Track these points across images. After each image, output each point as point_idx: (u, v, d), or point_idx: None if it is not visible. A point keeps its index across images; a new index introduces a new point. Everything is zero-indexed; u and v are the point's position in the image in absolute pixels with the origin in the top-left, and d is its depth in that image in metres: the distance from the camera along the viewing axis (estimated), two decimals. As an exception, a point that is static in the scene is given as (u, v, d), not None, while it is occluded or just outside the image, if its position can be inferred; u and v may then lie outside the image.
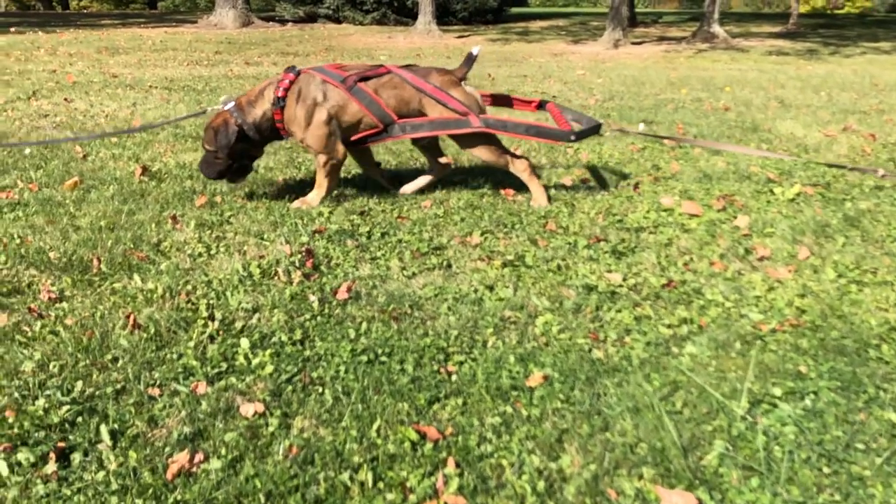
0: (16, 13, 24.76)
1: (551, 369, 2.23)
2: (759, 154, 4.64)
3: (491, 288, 2.84)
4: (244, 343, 2.38)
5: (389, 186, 4.16)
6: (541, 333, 2.48)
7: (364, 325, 2.53)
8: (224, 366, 2.27)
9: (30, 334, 2.47)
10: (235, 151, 3.74)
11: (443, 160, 4.18)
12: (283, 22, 22.02)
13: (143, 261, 3.10)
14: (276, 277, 2.95)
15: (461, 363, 2.29)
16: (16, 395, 2.11)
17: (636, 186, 4.27)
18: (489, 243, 3.33)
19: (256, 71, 10.44)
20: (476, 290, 2.81)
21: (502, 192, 4.09)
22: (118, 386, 2.16)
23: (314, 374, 2.23)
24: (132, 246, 3.25)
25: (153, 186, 4.16)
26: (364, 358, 2.30)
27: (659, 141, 5.41)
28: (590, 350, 2.38)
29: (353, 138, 3.81)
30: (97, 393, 2.12)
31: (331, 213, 3.75)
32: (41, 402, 2.06)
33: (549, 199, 3.93)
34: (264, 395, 2.11)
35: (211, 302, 2.73)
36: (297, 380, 2.20)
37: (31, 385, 2.15)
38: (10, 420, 1.98)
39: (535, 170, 3.94)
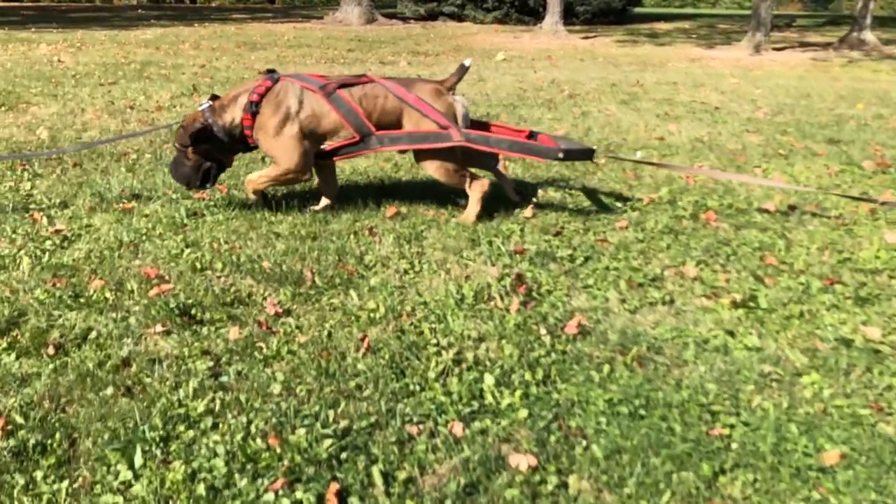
0: (151, 6, 26.19)
1: (846, 447, 1.99)
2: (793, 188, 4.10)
3: (732, 334, 2.61)
4: (488, 380, 2.26)
5: (327, 208, 3.87)
6: (811, 397, 2.24)
7: (606, 367, 2.36)
8: (475, 405, 2.15)
9: (266, 351, 2.44)
10: (201, 151, 3.59)
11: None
12: (404, 20, 22.23)
13: (352, 275, 3.06)
14: (491, 302, 2.83)
15: (731, 426, 2.08)
16: (273, 420, 2.06)
17: (839, 217, 3.90)
18: (708, 277, 3.10)
19: (392, 70, 10.49)
20: (716, 336, 2.59)
21: (703, 215, 3.83)
22: (371, 419, 2.08)
23: (572, 424, 2.08)
24: (338, 258, 3.21)
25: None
26: (623, 410, 2.13)
27: (859, 165, 4.97)
28: (874, 424, 2.11)
29: (327, 148, 3.65)
30: (354, 426, 2.05)
31: (522, 229, 3.61)
32: (301, 432, 2.01)
33: (477, 219, 3.70)
34: (530, 445, 1.98)
35: (434, 326, 2.64)
36: (555, 427, 2.06)
37: (285, 411, 2.10)
38: (277, 449, 1.92)
39: (485, 195, 3.70)
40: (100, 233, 3.44)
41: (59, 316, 2.64)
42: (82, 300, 2.76)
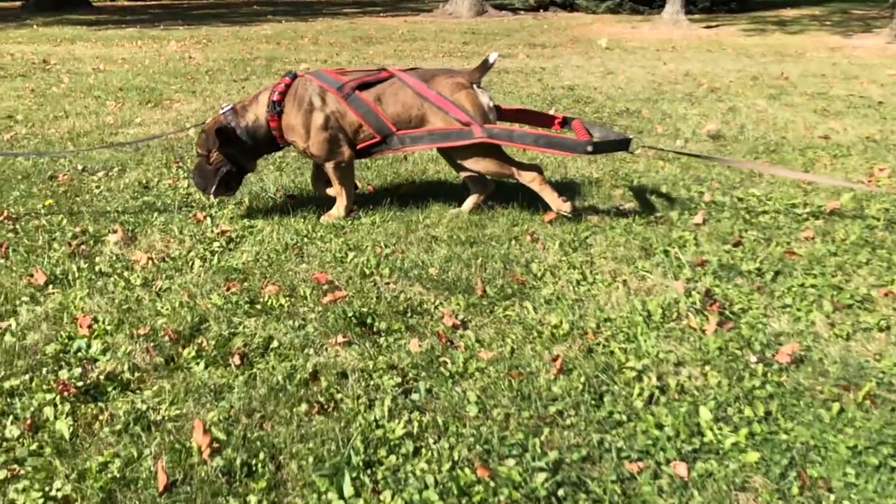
0: (265, 1, 26.99)
1: None
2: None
3: (977, 369, 2.28)
4: (704, 413, 2.05)
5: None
6: None
7: (835, 406, 2.10)
8: (696, 442, 1.95)
9: (451, 367, 2.32)
10: (224, 155, 3.47)
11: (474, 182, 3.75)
12: (514, 10, 21.93)
13: (523, 285, 2.90)
14: (682, 321, 2.60)
15: None
16: (478, 448, 1.93)
17: None
18: (925, 299, 2.74)
19: (513, 64, 10.28)
20: (959, 371, 2.27)
21: (899, 228, 3.45)
22: (582, 451, 1.91)
23: (812, 473, 1.83)
24: (504, 266, 3.07)
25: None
26: (871, 460, 1.87)
27: None
28: None
29: (357, 147, 3.52)
30: (566, 459, 1.89)
31: (696, 238, 3.34)
32: (510, 462, 1.87)
33: (572, 205, 3.50)
34: (771, 497, 1.75)
35: (624, 346, 2.44)
36: (793, 476, 1.82)
37: (487, 437, 1.97)
38: (490, 482, 1.79)
39: (545, 179, 3.52)
40: (262, 234, 3.43)
41: (239, 323, 2.62)
42: (258, 306, 2.73)
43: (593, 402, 2.14)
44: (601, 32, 15.35)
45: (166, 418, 2.08)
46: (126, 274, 3.01)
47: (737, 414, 2.07)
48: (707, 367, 2.31)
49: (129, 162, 4.72)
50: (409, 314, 2.69)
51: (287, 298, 2.79)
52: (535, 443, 1.95)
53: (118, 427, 2.02)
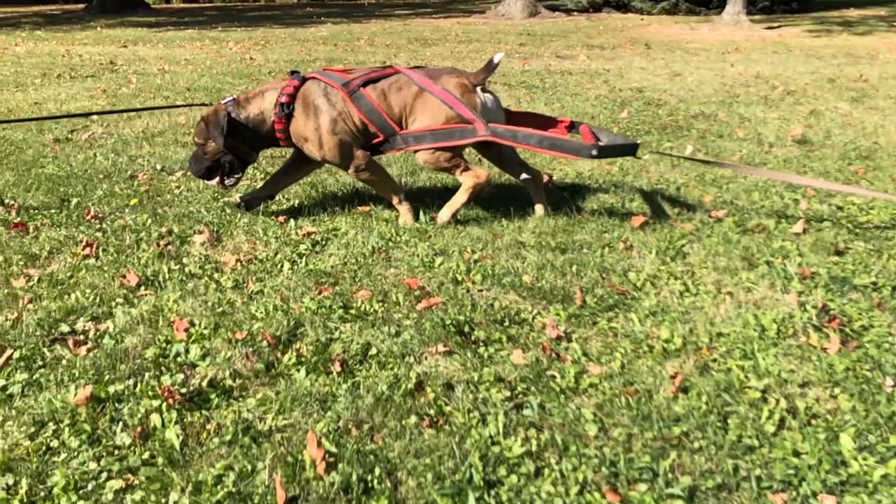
0: (317, 3, 27.27)
1: None
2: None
3: None
4: (846, 441, 1.90)
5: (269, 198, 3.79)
6: None
7: None
8: (842, 473, 1.80)
9: (560, 381, 2.22)
10: (225, 145, 3.37)
11: (526, 175, 3.66)
12: (567, 11, 21.70)
13: (624, 295, 2.78)
14: (800, 338, 2.45)
15: None
16: (604, 471, 1.82)
17: None
18: None
19: (575, 66, 10.11)
20: None
21: None
22: (717, 479, 1.79)
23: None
24: (600, 275, 2.95)
25: (568, 198, 3.87)
26: None
27: None
28: None
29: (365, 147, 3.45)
30: (700, 486, 1.77)
31: (798, 248, 3.17)
32: (642, 488, 1.76)
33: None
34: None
35: (741, 364, 2.30)
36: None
37: (611, 459, 1.86)
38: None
39: (478, 188, 3.44)
40: (347, 237, 3.38)
41: (335, 328, 2.56)
42: (353, 311, 2.67)
43: (719, 423, 2.01)
44: (659, 34, 15.05)
45: (274, 428, 2.02)
46: (216, 276, 2.98)
47: (881, 443, 1.92)
48: (836, 390, 2.16)
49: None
50: (507, 323, 2.60)
51: (380, 304, 2.72)
52: (664, 467, 1.83)
53: (227, 437, 1.97)
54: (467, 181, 3.44)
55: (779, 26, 16.44)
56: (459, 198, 3.48)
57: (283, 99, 3.37)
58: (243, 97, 3.47)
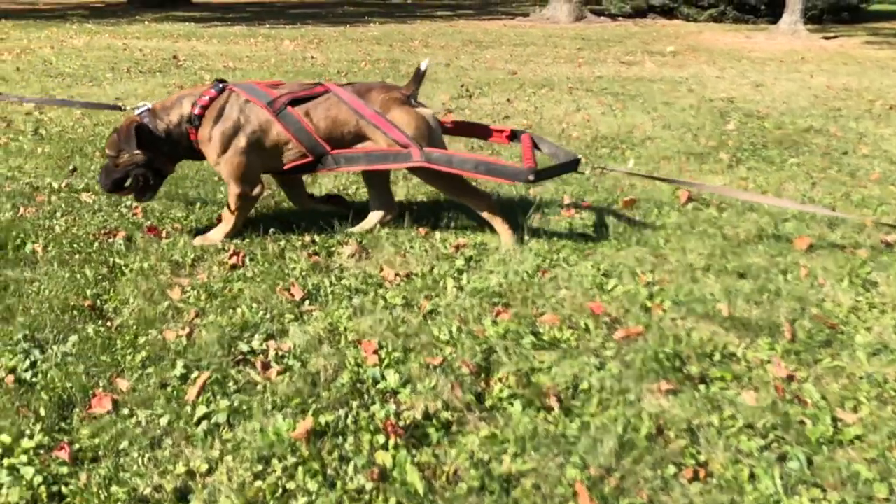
0: (355, 2, 27.13)
1: None
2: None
3: None
4: None
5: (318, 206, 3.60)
6: None
7: None
8: None
9: (812, 429, 2.00)
10: (137, 157, 3.14)
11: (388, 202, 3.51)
12: (612, 17, 21.43)
13: (833, 329, 2.56)
14: None
15: None
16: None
17: None
18: None
19: (644, 72, 9.86)
20: None
21: None
22: None
23: None
24: (800, 306, 2.72)
25: (697, 216, 3.64)
26: None
27: None
28: None
29: (284, 168, 3.24)
30: None
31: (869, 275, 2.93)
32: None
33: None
34: None
35: None
36: None
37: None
38: None
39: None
40: (501, 253, 3.17)
41: (531, 356, 2.35)
42: (545, 338, 2.46)
43: None
44: (715, 41, 14.76)
45: (517, 473, 1.82)
46: (381, 292, 2.79)
47: None
48: None
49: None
50: (716, 357, 2.38)
51: (571, 332, 2.52)
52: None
53: (475, 483, 1.77)
54: (489, 213, 3.30)
55: (834, 37, 16.09)
56: (503, 232, 3.29)
57: (197, 111, 3.16)
58: (160, 105, 3.25)
